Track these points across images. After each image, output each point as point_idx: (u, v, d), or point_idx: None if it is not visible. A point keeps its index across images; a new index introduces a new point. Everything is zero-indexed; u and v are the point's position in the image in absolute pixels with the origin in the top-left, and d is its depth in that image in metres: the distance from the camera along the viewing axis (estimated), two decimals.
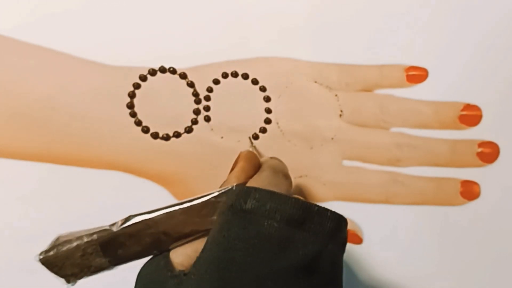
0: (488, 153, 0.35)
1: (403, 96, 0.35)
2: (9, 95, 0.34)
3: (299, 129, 0.35)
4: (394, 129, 0.36)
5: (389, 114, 0.35)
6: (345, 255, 0.33)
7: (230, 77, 0.35)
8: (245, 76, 0.35)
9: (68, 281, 0.25)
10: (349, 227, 0.35)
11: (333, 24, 0.35)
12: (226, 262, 0.22)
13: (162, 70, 0.35)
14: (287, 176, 0.28)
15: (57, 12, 0.34)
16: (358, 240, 0.36)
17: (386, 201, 0.36)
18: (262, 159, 0.30)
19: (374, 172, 0.36)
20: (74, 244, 0.24)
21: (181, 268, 0.23)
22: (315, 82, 0.35)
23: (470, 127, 0.35)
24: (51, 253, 0.24)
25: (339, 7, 0.35)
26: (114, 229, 0.24)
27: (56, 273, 0.24)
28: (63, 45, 0.34)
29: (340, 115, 0.35)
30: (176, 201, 0.25)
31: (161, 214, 0.24)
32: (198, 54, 0.35)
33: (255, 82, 0.35)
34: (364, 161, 0.36)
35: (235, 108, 0.35)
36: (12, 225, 0.35)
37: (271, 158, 0.30)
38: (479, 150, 0.35)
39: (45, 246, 0.35)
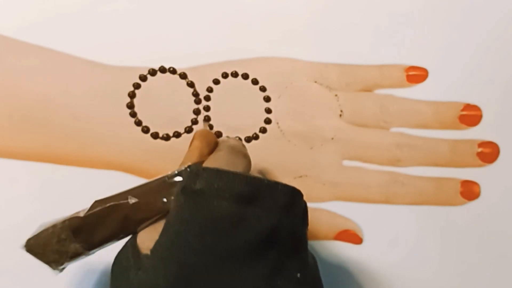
0: (488, 153, 0.35)
1: (403, 96, 0.35)
2: (9, 95, 0.34)
3: (299, 129, 0.35)
4: (394, 129, 0.36)
5: (389, 114, 0.35)
6: (345, 255, 0.33)
7: (230, 77, 0.35)
8: (245, 76, 0.35)
9: (53, 268, 0.25)
10: (349, 227, 0.35)
11: (333, 24, 0.35)
12: (182, 246, 0.21)
13: (162, 70, 0.35)
14: (245, 156, 0.27)
15: (57, 12, 0.34)
16: (358, 240, 0.36)
17: (386, 201, 0.36)
18: (220, 139, 0.29)
19: (374, 172, 0.36)
20: (50, 230, 0.24)
21: (147, 252, 0.23)
22: (315, 82, 0.35)
23: (470, 127, 0.35)
24: (32, 240, 0.25)
25: (339, 7, 0.35)
26: (81, 214, 0.24)
27: (41, 260, 0.25)
28: (63, 45, 0.34)
29: (340, 115, 0.35)
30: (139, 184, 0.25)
31: (121, 197, 0.24)
32: (198, 54, 0.35)
33: (255, 82, 0.35)
34: (364, 161, 0.36)
35: (235, 108, 0.35)
36: (12, 225, 0.35)
37: (229, 138, 0.30)
38: (479, 150, 0.35)
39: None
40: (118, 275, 0.24)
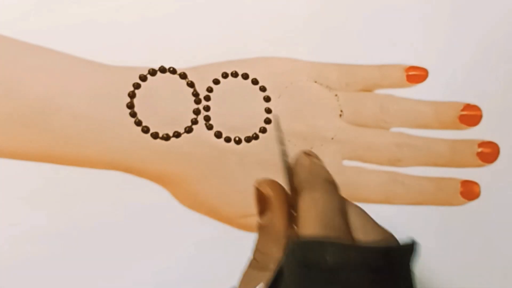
0: (488, 153, 0.36)
1: (403, 96, 0.35)
2: (9, 94, 0.34)
3: (299, 129, 0.35)
4: (394, 129, 0.36)
5: (389, 114, 0.35)
6: None
7: (230, 77, 0.35)
8: (245, 76, 0.35)
9: None
10: None
11: (333, 24, 0.35)
12: None
13: (162, 70, 0.35)
14: (334, 183, 0.24)
15: (57, 12, 0.34)
16: None
17: (386, 201, 0.36)
18: (298, 166, 0.25)
19: (374, 172, 0.36)
20: None
21: None
22: (315, 82, 0.35)
23: (470, 127, 0.35)
24: None
25: (339, 7, 0.35)
26: None
27: None
28: (63, 45, 0.34)
29: (340, 115, 0.35)
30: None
31: None
32: (198, 54, 0.35)
33: (255, 82, 0.35)
34: (364, 161, 0.36)
35: (235, 108, 0.35)
36: (12, 225, 0.35)
37: (309, 158, 0.26)
38: (479, 150, 0.35)
39: (44, 247, 0.35)
40: None
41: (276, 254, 0.23)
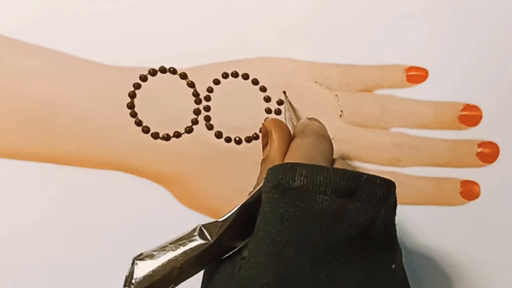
0: (488, 153, 0.36)
1: (403, 96, 0.35)
2: (10, 95, 0.34)
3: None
4: (394, 129, 0.36)
5: (389, 114, 0.35)
6: None
7: (230, 77, 0.35)
8: (246, 76, 0.35)
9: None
10: None
11: (333, 24, 0.35)
12: (283, 242, 0.22)
13: (163, 70, 0.35)
14: (329, 140, 0.27)
15: (57, 13, 0.34)
16: None
17: None
18: (298, 124, 0.29)
19: (374, 172, 0.36)
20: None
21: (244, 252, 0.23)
22: (315, 82, 0.35)
23: (470, 127, 0.35)
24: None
25: (340, 7, 0.35)
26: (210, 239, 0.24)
27: None
28: (64, 45, 0.34)
29: (340, 115, 0.35)
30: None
31: (232, 219, 0.24)
32: (198, 54, 0.35)
33: (255, 82, 0.35)
34: (364, 161, 0.36)
35: (236, 108, 0.35)
36: (12, 225, 0.35)
37: (310, 120, 0.29)
38: (479, 150, 0.36)
39: (45, 247, 0.35)
40: (217, 278, 0.24)
41: None
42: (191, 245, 0.24)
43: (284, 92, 0.35)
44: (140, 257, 0.24)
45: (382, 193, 0.23)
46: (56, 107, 0.34)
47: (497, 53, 0.35)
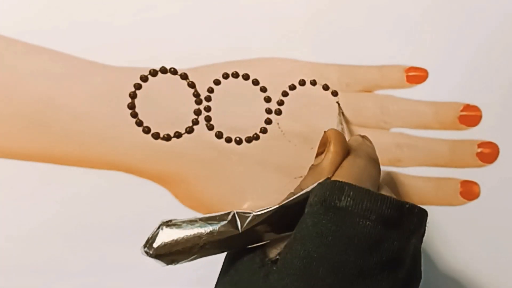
0: (488, 153, 0.36)
1: (403, 96, 0.35)
2: (10, 95, 0.34)
3: (299, 129, 0.35)
4: (394, 130, 0.36)
5: (389, 115, 0.36)
6: None
7: (230, 77, 0.35)
8: (246, 77, 0.35)
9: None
10: None
11: (334, 25, 0.35)
12: (317, 258, 0.22)
13: (163, 70, 0.35)
14: (377, 161, 0.28)
15: (58, 13, 0.34)
16: None
17: None
18: (352, 139, 0.29)
19: None
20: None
21: (275, 257, 0.24)
22: (316, 82, 0.35)
23: (469, 128, 0.36)
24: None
25: (340, 8, 0.35)
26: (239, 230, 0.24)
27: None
28: (64, 45, 0.34)
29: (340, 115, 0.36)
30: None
31: (266, 216, 0.24)
32: (199, 54, 0.35)
33: (255, 82, 0.35)
34: None
35: (236, 108, 0.35)
36: (13, 225, 0.35)
37: (363, 139, 0.29)
38: (479, 150, 0.36)
39: (45, 247, 0.35)
40: (241, 272, 0.25)
41: None
42: (219, 227, 0.24)
43: (338, 103, 0.35)
44: (168, 224, 0.24)
45: (417, 224, 0.24)
46: (57, 107, 0.34)
47: (497, 54, 0.35)
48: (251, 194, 0.35)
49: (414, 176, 0.36)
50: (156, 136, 0.35)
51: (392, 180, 0.36)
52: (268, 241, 0.25)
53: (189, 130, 0.35)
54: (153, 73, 0.35)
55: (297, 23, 0.35)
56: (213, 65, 0.35)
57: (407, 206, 0.23)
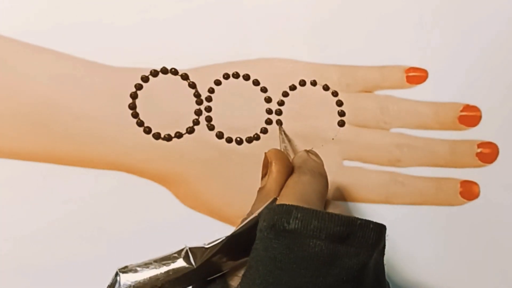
0: (488, 153, 0.36)
1: (403, 97, 0.36)
2: (12, 95, 0.34)
3: (300, 130, 0.35)
4: (394, 130, 0.36)
5: (389, 115, 0.36)
6: None
7: (231, 78, 0.35)
8: (246, 77, 0.35)
9: None
10: None
11: (334, 25, 0.35)
12: (274, 283, 0.22)
13: (164, 71, 0.35)
14: (324, 175, 0.28)
15: (59, 13, 0.34)
16: None
17: (386, 201, 0.36)
18: (296, 157, 0.29)
19: (374, 173, 0.36)
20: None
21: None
22: (316, 83, 0.35)
23: (469, 128, 0.36)
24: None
25: (340, 8, 0.35)
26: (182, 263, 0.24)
27: None
28: (65, 46, 0.34)
29: (340, 116, 0.36)
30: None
31: (219, 247, 0.24)
32: (199, 55, 0.35)
33: (256, 83, 0.35)
34: (365, 161, 0.36)
35: (236, 108, 0.35)
36: (13, 225, 0.35)
37: (308, 154, 0.29)
38: (479, 150, 0.36)
39: (46, 247, 0.35)
40: None
41: None
42: (174, 266, 0.24)
43: (278, 122, 0.35)
44: (124, 270, 0.24)
45: (375, 238, 0.23)
46: (58, 107, 0.34)
47: (497, 54, 0.35)
48: (251, 194, 0.35)
49: (414, 176, 0.36)
50: (157, 136, 0.35)
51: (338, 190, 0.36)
52: (227, 270, 0.25)
53: (190, 131, 0.35)
54: (154, 73, 0.35)
55: (298, 24, 0.35)
56: (213, 66, 0.35)
57: (359, 222, 0.23)
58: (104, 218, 0.35)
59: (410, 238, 0.36)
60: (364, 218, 0.24)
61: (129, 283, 0.23)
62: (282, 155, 0.28)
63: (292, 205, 0.23)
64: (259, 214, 0.24)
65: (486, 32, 0.35)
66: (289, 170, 0.27)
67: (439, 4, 0.35)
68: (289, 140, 0.35)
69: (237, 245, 0.24)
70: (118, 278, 0.24)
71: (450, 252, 0.36)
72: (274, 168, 0.27)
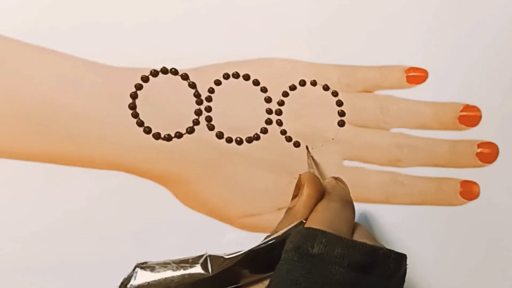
0: (488, 153, 0.36)
1: (403, 97, 0.36)
2: (12, 95, 0.34)
3: (300, 129, 0.35)
4: (394, 130, 0.36)
5: (389, 115, 0.36)
6: None
7: (231, 78, 0.35)
8: (246, 77, 0.35)
9: None
10: None
11: (334, 25, 0.35)
12: None
13: (164, 71, 0.35)
14: (352, 204, 0.28)
15: (59, 13, 0.34)
16: None
17: (386, 201, 0.36)
18: (326, 182, 0.29)
19: (375, 172, 0.36)
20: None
21: None
22: (316, 83, 0.35)
23: (469, 128, 0.36)
24: None
25: (340, 8, 0.35)
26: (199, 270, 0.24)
27: None
28: (65, 46, 0.34)
29: (340, 116, 0.36)
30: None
31: (238, 259, 0.25)
32: (199, 55, 0.35)
33: (256, 83, 0.35)
34: (365, 161, 0.36)
35: (237, 108, 0.35)
36: (13, 225, 0.35)
37: (336, 181, 0.30)
38: (479, 150, 0.36)
39: (46, 247, 0.35)
40: None
41: None
42: (191, 271, 0.24)
43: (307, 147, 0.35)
44: (142, 266, 0.24)
45: (395, 267, 0.24)
46: (58, 107, 0.34)
47: (497, 54, 0.35)
48: (251, 194, 0.35)
49: (414, 176, 0.36)
50: (157, 136, 0.35)
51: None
52: (242, 284, 0.25)
53: (190, 131, 0.35)
54: (154, 73, 0.35)
55: (298, 24, 0.35)
56: (213, 66, 0.35)
57: (381, 251, 0.23)
58: (104, 218, 0.35)
59: (410, 238, 0.36)
60: (380, 244, 0.24)
61: (145, 279, 0.24)
62: (315, 180, 0.28)
63: (318, 229, 0.23)
64: (284, 233, 0.24)
65: (486, 32, 0.35)
66: (320, 195, 0.28)
67: (439, 4, 0.35)
68: (317, 165, 0.35)
69: (256, 260, 0.25)
70: (135, 273, 0.24)
71: (450, 252, 0.36)
72: (305, 191, 0.27)
